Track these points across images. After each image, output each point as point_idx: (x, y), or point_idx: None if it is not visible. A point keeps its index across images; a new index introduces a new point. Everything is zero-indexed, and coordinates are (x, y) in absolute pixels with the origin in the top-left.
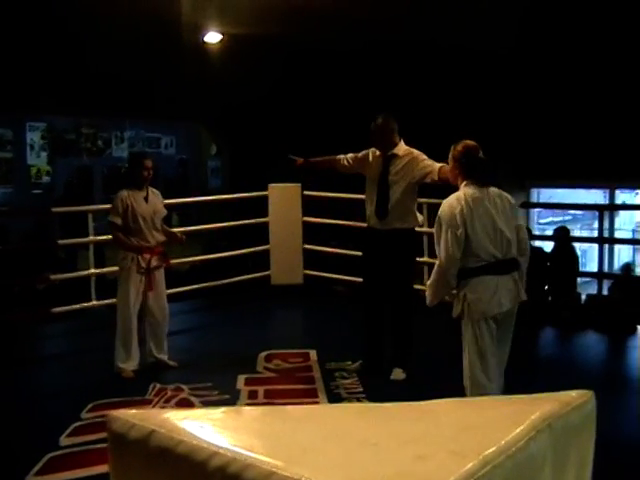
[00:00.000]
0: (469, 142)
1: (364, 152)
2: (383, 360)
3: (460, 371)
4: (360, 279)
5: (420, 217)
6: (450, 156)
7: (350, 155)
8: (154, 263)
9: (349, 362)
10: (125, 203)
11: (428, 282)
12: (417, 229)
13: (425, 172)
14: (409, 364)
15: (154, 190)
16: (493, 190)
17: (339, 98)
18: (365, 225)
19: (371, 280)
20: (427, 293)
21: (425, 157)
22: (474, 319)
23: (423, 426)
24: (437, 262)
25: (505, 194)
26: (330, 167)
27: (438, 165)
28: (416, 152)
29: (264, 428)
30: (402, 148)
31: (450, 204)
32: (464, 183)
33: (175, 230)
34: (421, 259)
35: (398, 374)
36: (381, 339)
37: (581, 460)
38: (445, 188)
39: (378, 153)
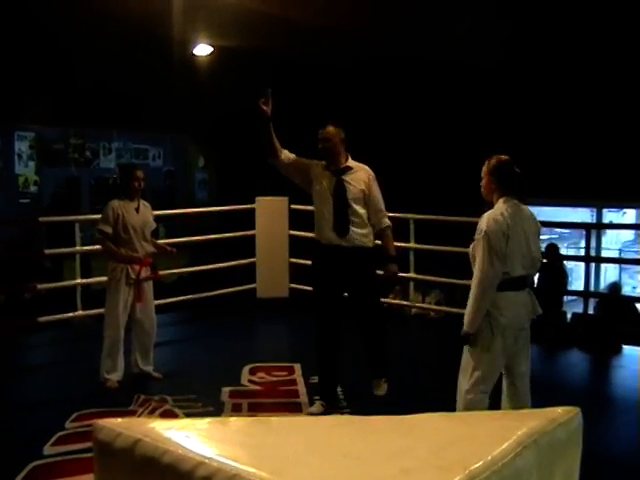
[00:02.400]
0: (502, 156)
1: (306, 161)
2: (337, 382)
3: (443, 385)
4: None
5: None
6: (484, 171)
7: (293, 155)
8: (143, 274)
9: None
10: (116, 213)
11: (469, 308)
12: (405, 245)
13: (372, 209)
14: (389, 376)
15: (145, 202)
16: (526, 209)
17: (326, 112)
18: (319, 240)
19: (329, 297)
20: (469, 319)
21: (377, 190)
22: (493, 333)
23: (408, 440)
24: (477, 279)
25: (534, 215)
26: (272, 149)
27: (385, 223)
28: (370, 172)
29: (249, 439)
30: (351, 161)
31: (496, 220)
32: (502, 199)
33: (162, 242)
34: (407, 275)
35: (382, 388)
36: (336, 361)
37: (567, 476)
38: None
39: (324, 165)
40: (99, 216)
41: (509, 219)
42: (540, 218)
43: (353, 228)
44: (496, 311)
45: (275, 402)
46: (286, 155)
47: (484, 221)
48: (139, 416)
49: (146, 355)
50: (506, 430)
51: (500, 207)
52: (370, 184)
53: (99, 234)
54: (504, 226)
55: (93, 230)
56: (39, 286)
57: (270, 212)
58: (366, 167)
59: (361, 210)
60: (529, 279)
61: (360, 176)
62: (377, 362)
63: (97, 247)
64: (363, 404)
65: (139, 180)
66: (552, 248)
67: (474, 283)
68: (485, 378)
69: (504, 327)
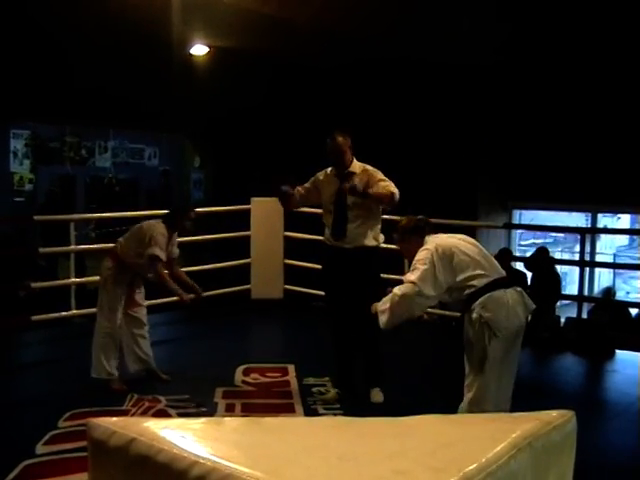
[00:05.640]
0: (404, 218)
1: (311, 179)
2: (354, 376)
3: (437, 387)
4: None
5: (382, 237)
6: (399, 238)
7: (298, 189)
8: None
9: (327, 378)
10: (164, 241)
11: (382, 305)
12: (397, 247)
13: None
14: (383, 382)
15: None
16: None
17: (324, 114)
18: (325, 242)
19: (337, 297)
20: (385, 316)
21: (382, 176)
22: (495, 337)
23: (403, 441)
24: (405, 287)
25: None
26: (291, 207)
27: (392, 189)
28: (371, 169)
29: (244, 439)
30: (357, 165)
31: (430, 247)
32: (425, 238)
33: None
34: (400, 277)
35: (378, 396)
36: (352, 356)
37: (560, 479)
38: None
39: (330, 171)
40: (94, 215)
41: (442, 242)
42: (535, 222)
43: (351, 227)
44: (489, 314)
45: (268, 403)
46: (295, 199)
47: (419, 254)
48: (132, 416)
49: (148, 352)
50: (501, 432)
51: (429, 243)
52: (369, 180)
53: (152, 259)
54: (439, 250)
55: (88, 229)
56: (33, 284)
57: (265, 213)
58: (368, 167)
59: (362, 213)
60: (508, 277)
61: (362, 178)
62: (373, 370)
63: (92, 246)
64: (357, 406)
65: (192, 221)
66: (542, 251)
67: (400, 291)
68: (495, 381)
69: (505, 327)
